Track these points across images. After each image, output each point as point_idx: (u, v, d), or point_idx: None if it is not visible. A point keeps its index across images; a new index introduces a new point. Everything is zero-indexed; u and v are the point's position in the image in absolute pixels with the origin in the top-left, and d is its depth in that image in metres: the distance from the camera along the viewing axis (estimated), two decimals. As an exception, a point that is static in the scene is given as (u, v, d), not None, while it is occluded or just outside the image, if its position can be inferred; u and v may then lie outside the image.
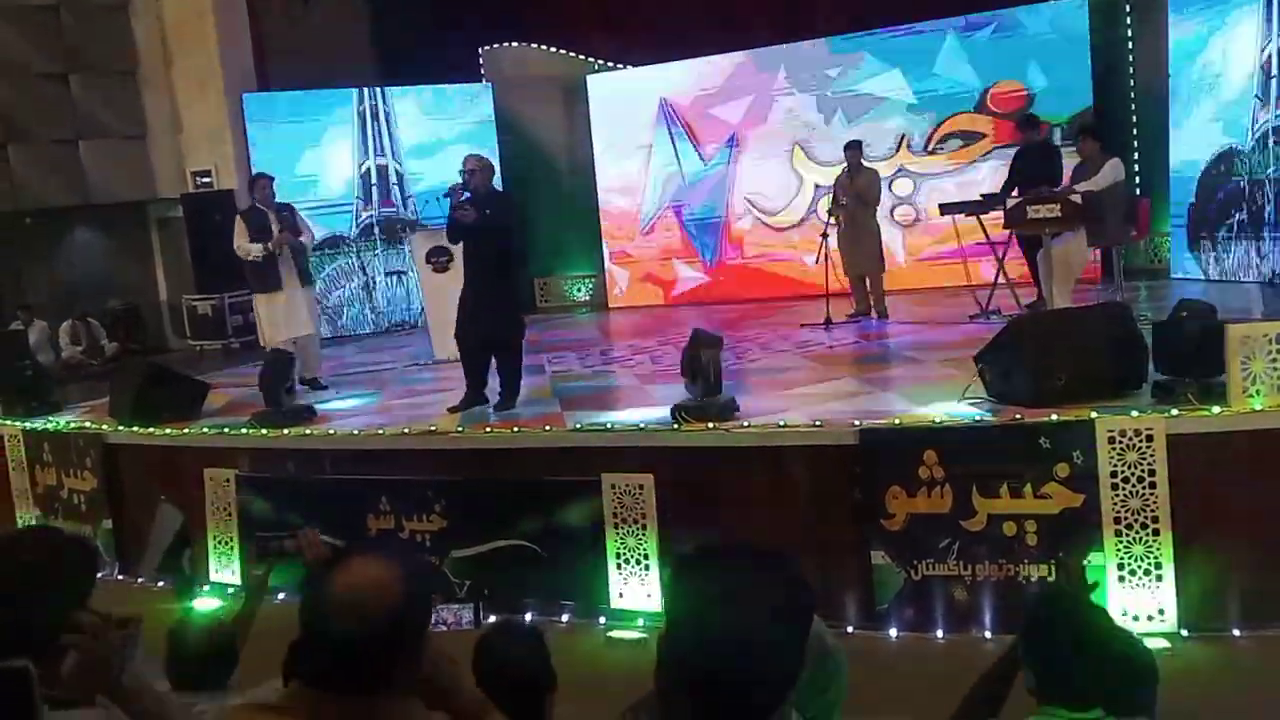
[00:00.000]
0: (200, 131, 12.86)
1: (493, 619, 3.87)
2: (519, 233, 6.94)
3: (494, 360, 7.03)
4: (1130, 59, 10.99)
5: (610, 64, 13.28)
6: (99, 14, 12.77)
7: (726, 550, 1.55)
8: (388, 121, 12.90)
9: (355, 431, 6.73)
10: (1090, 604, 2.50)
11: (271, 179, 8.90)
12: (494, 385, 7.05)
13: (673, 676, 1.51)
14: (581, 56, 13.36)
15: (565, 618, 5.90)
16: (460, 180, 6.87)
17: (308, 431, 6.87)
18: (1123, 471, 4.97)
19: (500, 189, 6.89)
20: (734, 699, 1.46)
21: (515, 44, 13.53)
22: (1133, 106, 10.98)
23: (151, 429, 7.31)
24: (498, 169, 12.71)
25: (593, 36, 13.25)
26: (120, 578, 7.28)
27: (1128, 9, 10.96)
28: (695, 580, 1.54)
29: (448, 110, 13.13)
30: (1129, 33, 10.97)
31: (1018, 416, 5.28)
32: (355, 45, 13.54)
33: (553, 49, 13.40)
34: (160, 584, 6.78)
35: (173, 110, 13.01)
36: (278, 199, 8.79)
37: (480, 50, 13.58)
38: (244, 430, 7.01)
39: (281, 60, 13.12)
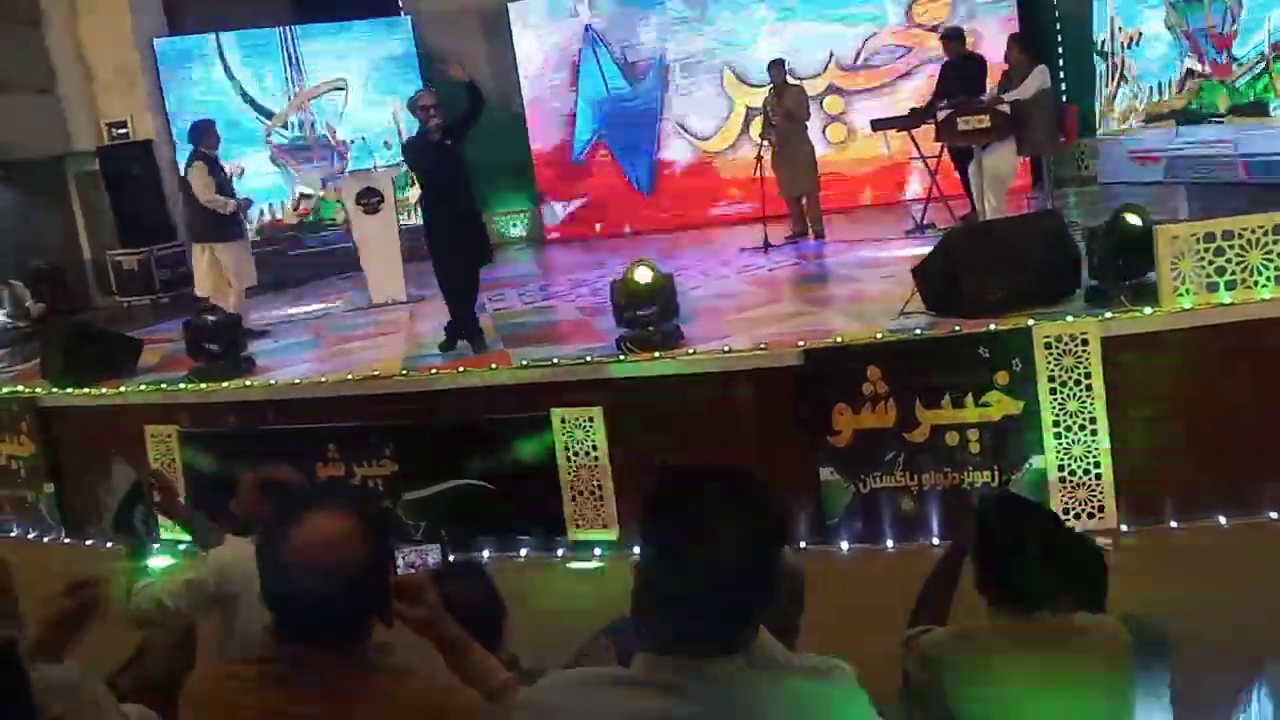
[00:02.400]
0: (112, 80, 12.42)
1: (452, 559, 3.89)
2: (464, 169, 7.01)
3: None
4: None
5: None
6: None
7: (701, 475, 1.57)
8: (300, 63, 12.53)
9: (297, 380, 6.64)
10: (1036, 506, 2.58)
11: (213, 123, 8.74)
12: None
13: (649, 601, 1.53)
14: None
15: (523, 553, 5.94)
16: (425, 113, 6.77)
17: (248, 383, 6.77)
18: (1060, 375, 5.09)
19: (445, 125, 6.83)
20: (712, 621, 1.49)
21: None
22: (1056, 14, 11.03)
23: (87, 389, 7.15)
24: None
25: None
26: (67, 541, 7.18)
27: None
28: (671, 505, 1.55)
29: (364, 47, 12.78)
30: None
31: (956, 328, 5.37)
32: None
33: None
34: (110, 544, 6.70)
35: (81, 60, 12.53)
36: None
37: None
38: (183, 385, 6.89)
39: (190, 2, 12.68)
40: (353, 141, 12.60)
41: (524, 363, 6.19)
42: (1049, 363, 5.09)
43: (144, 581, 3.02)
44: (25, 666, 1.25)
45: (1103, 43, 10.24)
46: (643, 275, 5.97)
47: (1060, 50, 10.94)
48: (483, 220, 7.29)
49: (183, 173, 8.80)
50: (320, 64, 12.59)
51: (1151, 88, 9.64)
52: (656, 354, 5.78)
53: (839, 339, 5.60)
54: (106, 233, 12.60)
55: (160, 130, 12.20)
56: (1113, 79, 10.19)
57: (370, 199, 9.36)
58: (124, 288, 12.10)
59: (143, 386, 7.08)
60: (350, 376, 6.49)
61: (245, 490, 3.21)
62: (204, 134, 8.55)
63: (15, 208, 13.20)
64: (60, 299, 12.59)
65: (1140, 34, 9.68)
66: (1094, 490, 5.13)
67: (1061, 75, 10.66)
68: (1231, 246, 5.05)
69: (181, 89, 12.02)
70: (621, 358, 5.86)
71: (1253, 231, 5.06)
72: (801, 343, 5.59)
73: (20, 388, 7.61)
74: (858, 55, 11.70)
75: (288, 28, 12.52)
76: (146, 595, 2.95)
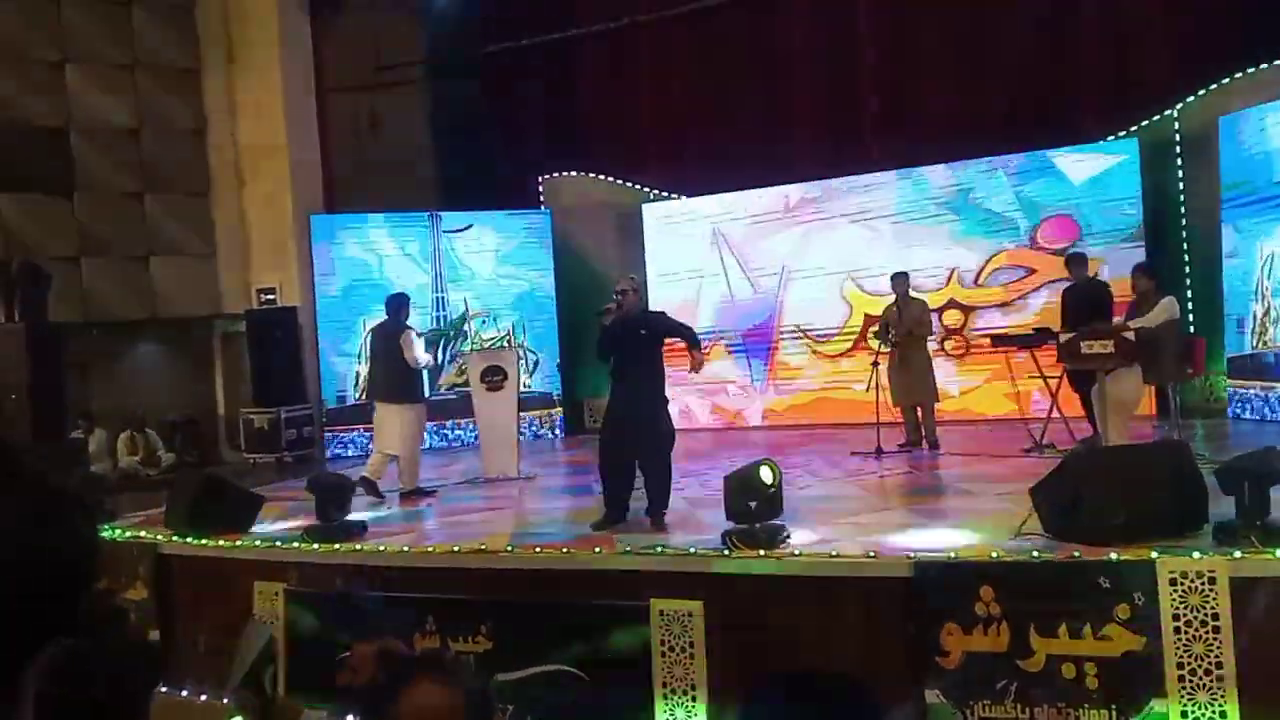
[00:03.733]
0: (267, 250, 13.31)
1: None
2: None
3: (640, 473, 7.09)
4: (1182, 198, 11.10)
5: (665, 194, 13.61)
6: (177, 136, 13.39)
7: (804, 683, 1.55)
8: (447, 245, 13.25)
9: (405, 549, 6.74)
10: None
11: (409, 297, 9.62)
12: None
13: None
14: (637, 186, 13.72)
15: (609, 747, 5.78)
16: (614, 301, 7.19)
17: (358, 547, 6.90)
18: (1185, 615, 4.84)
19: (651, 309, 7.34)
20: None
21: (574, 173, 13.93)
22: (1185, 246, 11.04)
23: (204, 540, 7.38)
24: (553, 293, 13.13)
25: (649, 167, 13.64)
26: (164, 690, 7.25)
27: (1178, 150, 11.11)
28: (774, 709, 1.54)
29: (506, 235, 13.47)
30: (1179, 173, 11.10)
31: (1076, 554, 5.19)
32: (420, 170, 14.03)
33: (610, 179, 13.79)
34: (202, 697, 6.75)
35: (242, 229, 13.50)
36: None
37: (540, 179, 14.00)
38: (295, 544, 7.05)
39: (347, 184, 13.63)
40: (483, 322, 13.14)
41: (627, 549, 6.18)
42: (1174, 600, 4.86)
43: None
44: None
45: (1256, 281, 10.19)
46: (763, 474, 5.96)
47: (1189, 281, 10.88)
48: (666, 405, 7.26)
49: (375, 337, 9.51)
50: (460, 244, 13.27)
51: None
52: (761, 552, 5.72)
53: (952, 554, 5.46)
54: (242, 391, 13.23)
55: (306, 300, 12.92)
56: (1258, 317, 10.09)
57: (494, 376, 9.67)
58: (252, 444, 12.61)
59: (258, 543, 7.26)
60: (457, 550, 6.56)
61: (361, 661, 3.18)
62: (404, 305, 9.28)
63: (162, 361, 14.03)
64: (190, 450, 13.17)
65: None
66: (1221, 742, 4.79)
67: (1190, 306, 10.56)
68: (1373, 493, 4.84)
69: (330, 263, 12.75)
70: (726, 553, 5.81)
71: (1395, 479, 4.85)
72: (912, 554, 5.47)
73: (143, 533, 7.90)
74: (980, 273, 11.82)
75: (434, 214, 13.30)
76: None
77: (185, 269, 13.41)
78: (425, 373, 9.44)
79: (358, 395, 12.65)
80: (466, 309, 13.13)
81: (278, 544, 7.15)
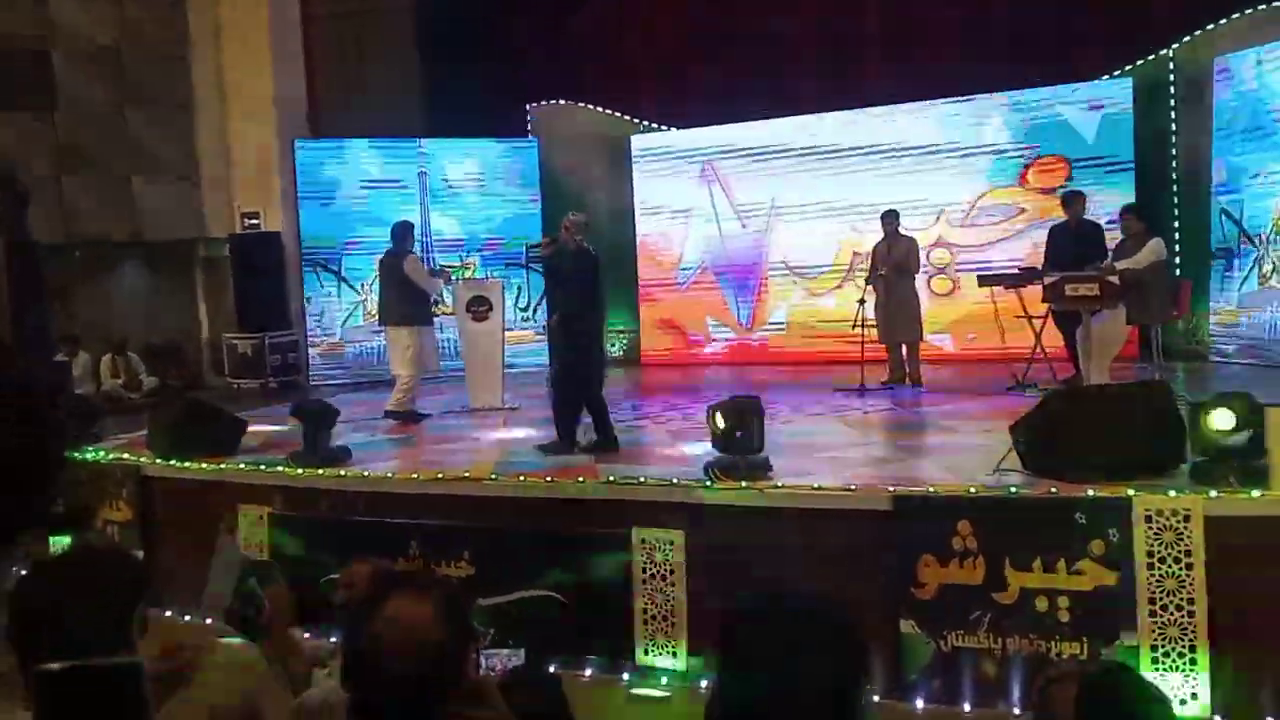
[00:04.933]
0: (250, 173, 13.16)
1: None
2: (595, 286, 7.48)
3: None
4: (1174, 140, 11.05)
5: (655, 125, 13.48)
6: (160, 57, 13.14)
7: (785, 604, 1.56)
8: (432, 172, 13.11)
9: (389, 474, 6.78)
10: (1146, 682, 2.48)
11: (412, 225, 9.93)
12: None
13: None
14: (627, 117, 13.57)
15: (589, 672, 5.86)
16: (551, 236, 7.68)
17: (342, 473, 6.93)
18: (1159, 551, 4.92)
19: (586, 247, 7.49)
20: None
21: (563, 102, 13.76)
22: (1174, 188, 11.02)
23: (188, 463, 7.39)
24: (539, 223, 13.04)
25: (639, 98, 13.48)
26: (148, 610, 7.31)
27: (1172, 91, 11.04)
28: (753, 634, 1.54)
29: (491, 163, 13.33)
30: (1172, 115, 11.04)
31: (1053, 490, 5.25)
32: (406, 97, 13.83)
33: (600, 108, 13.62)
34: (187, 617, 6.81)
35: (225, 151, 13.33)
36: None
37: (529, 107, 13.83)
38: (280, 468, 7.08)
39: (332, 108, 13.44)
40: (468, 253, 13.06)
41: (610, 479, 6.22)
42: (1148, 536, 4.93)
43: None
44: (146, 694, 1.29)
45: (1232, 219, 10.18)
46: (739, 405, 5.99)
47: (1176, 224, 10.88)
48: (585, 343, 7.47)
49: (382, 264, 9.59)
50: (447, 169, 13.13)
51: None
52: (743, 483, 5.77)
53: (930, 488, 5.51)
54: (226, 316, 13.17)
55: (289, 225, 12.80)
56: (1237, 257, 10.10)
57: (480, 307, 9.65)
58: (236, 369, 12.59)
59: (241, 466, 7.28)
60: (440, 476, 6.59)
61: (356, 578, 3.18)
62: (409, 232, 9.60)
63: (144, 284, 13.93)
64: (173, 374, 13.13)
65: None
66: (1188, 676, 4.89)
67: (1177, 248, 10.57)
68: (1348, 435, 4.89)
69: (314, 189, 12.61)
70: (708, 483, 5.85)
71: (1371, 422, 4.90)
72: (891, 488, 5.52)
73: (126, 455, 7.90)
74: (969, 211, 11.79)
75: (421, 140, 13.13)
76: None
77: (168, 190, 13.25)
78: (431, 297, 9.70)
79: (344, 322, 12.62)
80: (462, 265, 12.98)
81: (261, 468, 7.17)
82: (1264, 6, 10.28)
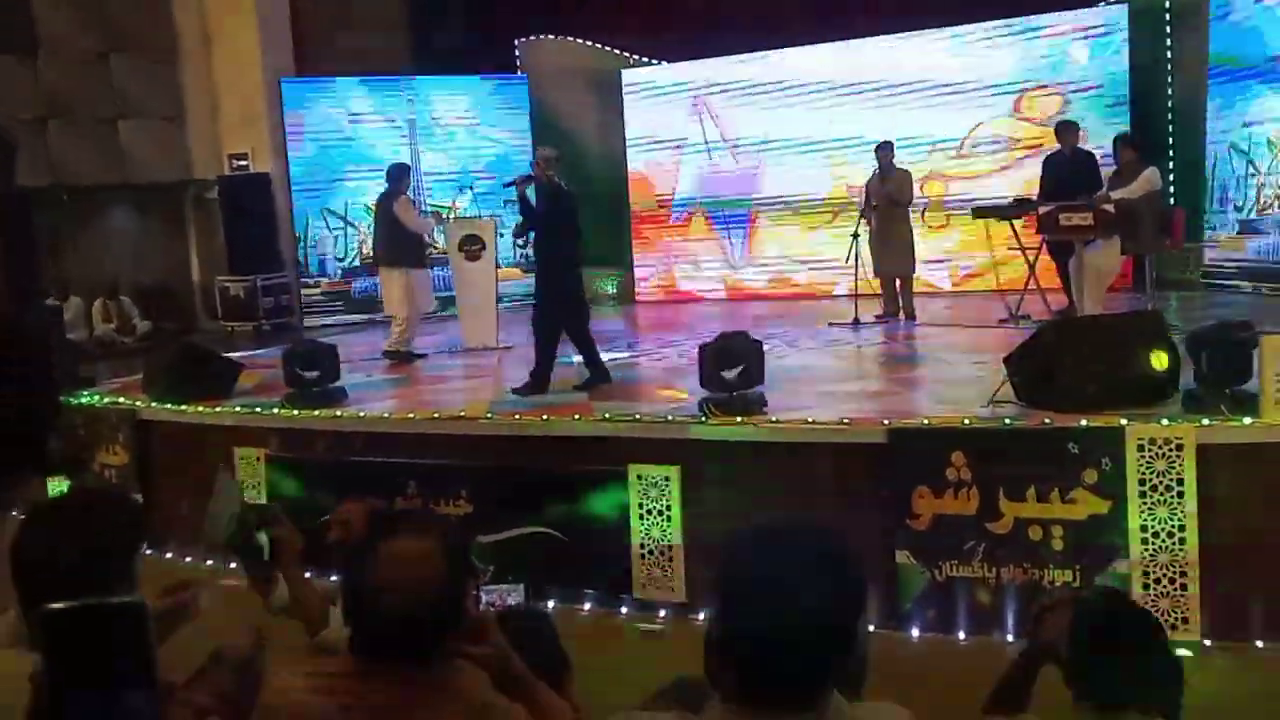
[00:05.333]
0: (237, 114, 13.00)
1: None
2: (572, 224, 7.39)
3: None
4: (1169, 69, 10.94)
5: (646, 59, 13.30)
6: (142, -3, 12.92)
7: (785, 529, 1.57)
8: (421, 110, 12.95)
9: (386, 415, 6.79)
10: (1138, 607, 2.51)
11: (409, 167, 9.97)
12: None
13: (727, 656, 1.53)
14: (617, 51, 13.39)
15: (588, 606, 5.94)
16: (526, 174, 7.44)
17: (338, 413, 6.94)
18: (1151, 479, 4.96)
19: (563, 184, 7.39)
20: (793, 680, 1.49)
21: (552, 37, 13.57)
22: (1170, 117, 10.93)
23: (184, 406, 7.40)
24: (529, 161, 12.90)
25: (629, 31, 13.27)
26: (148, 552, 7.36)
27: (1167, 20, 10.90)
28: (750, 567, 1.55)
29: (482, 100, 13.17)
30: (1168, 44, 10.92)
31: (1047, 421, 5.28)
32: (392, 34, 13.63)
33: (589, 43, 13.44)
34: (187, 559, 6.87)
35: (211, 93, 13.15)
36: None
37: (517, 42, 13.64)
38: (275, 410, 7.09)
39: (318, 45, 13.24)
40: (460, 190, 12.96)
41: (606, 416, 6.24)
42: (1141, 465, 4.97)
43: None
44: (151, 636, 1.30)
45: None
46: (733, 342, 6.00)
47: (1171, 153, 10.81)
48: (569, 285, 7.43)
49: (378, 206, 9.70)
50: (436, 106, 12.97)
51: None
52: (739, 419, 5.79)
53: (925, 421, 5.54)
54: (217, 259, 13.09)
55: (278, 166, 12.67)
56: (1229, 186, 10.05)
57: (472, 245, 9.61)
58: (229, 312, 12.55)
59: (237, 408, 7.29)
60: (436, 415, 6.61)
61: (352, 517, 3.19)
62: (405, 174, 9.59)
63: (133, 228, 13.83)
64: (166, 318, 13.10)
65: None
66: (1179, 601, 4.96)
67: (1171, 178, 10.52)
68: (1340, 362, 4.91)
69: (303, 127, 12.46)
70: (703, 419, 5.87)
71: (1363, 349, 4.91)
72: (886, 421, 5.55)
73: (121, 399, 7.91)
74: (962, 143, 11.70)
75: (408, 78, 12.96)
76: None
77: (154, 133, 13.09)
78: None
79: (347, 262, 12.58)
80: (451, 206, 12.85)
81: (257, 410, 7.18)
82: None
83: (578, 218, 7.38)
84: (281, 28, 13.04)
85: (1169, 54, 10.93)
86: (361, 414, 6.86)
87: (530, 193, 7.39)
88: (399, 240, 9.27)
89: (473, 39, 13.15)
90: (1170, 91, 10.94)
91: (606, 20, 13.28)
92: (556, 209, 7.26)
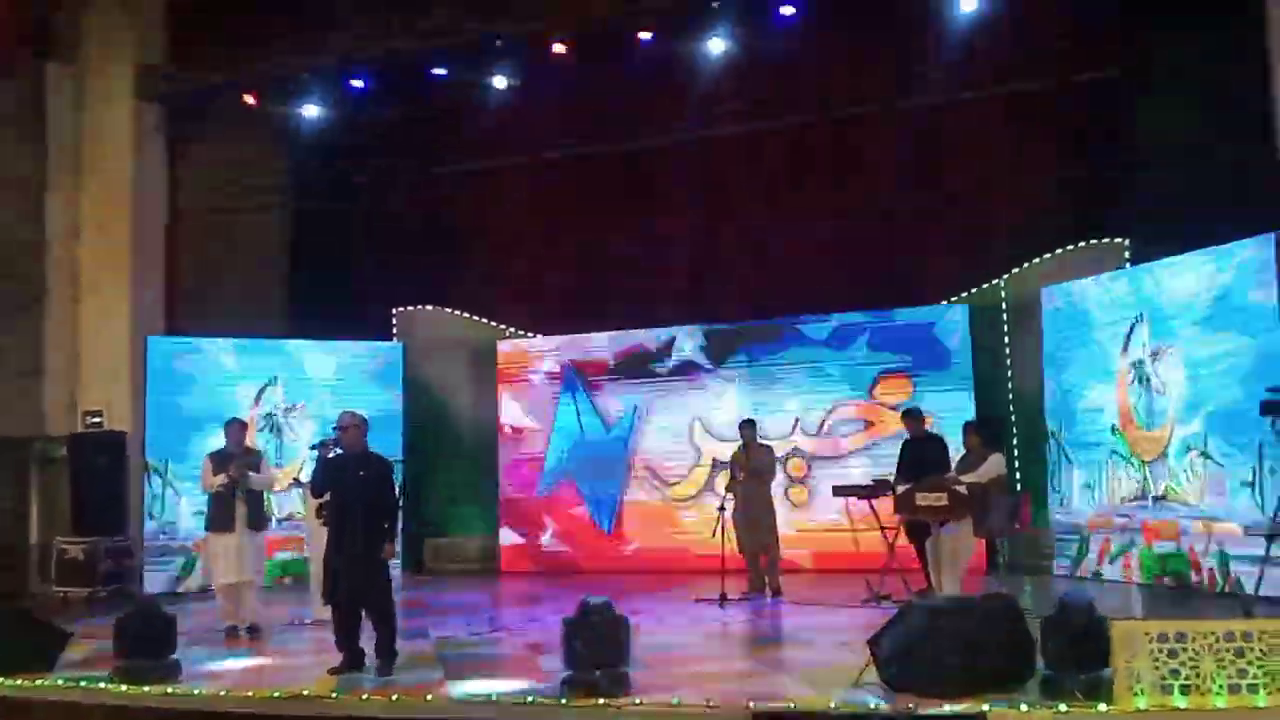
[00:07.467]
0: (96, 369, 12.72)
1: None
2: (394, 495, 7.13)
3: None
4: (1008, 360, 11.74)
5: (521, 332, 13.68)
6: (15, 247, 12.79)
7: None
8: (291, 375, 12.87)
9: (222, 693, 6.34)
10: None
11: (244, 424, 9.35)
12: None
13: None
14: (492, 323, 13.76)
15: None
16: (333, 437, 7.06)
17: (169, 690, 6.45)
18: (1014, 766, 4.92)
19: (373, 450, 7.12)
20: None
21: (429, 307, 13.90)
22: (1010, 405, 11.63)
23: (2, 679, 6.78)
24: (401, 427, 12.86)
25: (506, 305, 13.74)
26: None
27: (1004, 318, 11.81)
28: None
29: (353, 365, 13.19)
30: (1006, 340, 11.77)
31: (911, 706, 5.25)
32: (267, 298, 13.72)
33: (467, 314, 13.80)
34: None
35: (73, 347, 12.88)
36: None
37: (394, 311, 13.92)
38: (102, 684, 6.56)
39: (193, 306, 13.22)
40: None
41: (461, 697, 5.95)
42: (1003, 751, 4.94)
43: None
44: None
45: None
46: (598, 618, 5.88)
47: (1015, 439, 11.43)
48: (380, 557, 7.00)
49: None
50: (307, 368, 12.93)
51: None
52: (601, 700, 5.59)
53: (791, 704, 5.46)
54: (60, 519, 12.39)
55: (136, 423, 12.29)
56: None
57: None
58: (64, 577, 11.73)
59: (59, 682, 6.72)
60: (278, 695, 6.20)
61: None
62: (227, 430, 9.04)
63: (-31, 484, 13.04)
64: (-4, 582, 12.17)
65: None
66: None
67: (1016, 463, 11.07)
68: (1185, 649, 5.04)
69: (166, 385, 12.19)
70: (564, 701, 5.65)
71: (1205, 637, 5.05)
72: (751, 704, 5.43)
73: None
74: (822, 424, 12.18)
75: (280, 340, 12.95)
76: None
77: (8, 386, 12.64)
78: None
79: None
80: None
81: (81, 684, 6.63)
82: (1083, 244, 11.23)
83: (392, 486, 7.11)
84: (156, 287, 13.03)
85: (1007, 346, 11.75)
86: (195, 691, 6.39)
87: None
88: (211, 502, 8.95)
89: (349, 310, 13.35)
90: (1010, 381, 11.69)
91: (483, 295, 13.74)
92: (371, 479, 6.95)
